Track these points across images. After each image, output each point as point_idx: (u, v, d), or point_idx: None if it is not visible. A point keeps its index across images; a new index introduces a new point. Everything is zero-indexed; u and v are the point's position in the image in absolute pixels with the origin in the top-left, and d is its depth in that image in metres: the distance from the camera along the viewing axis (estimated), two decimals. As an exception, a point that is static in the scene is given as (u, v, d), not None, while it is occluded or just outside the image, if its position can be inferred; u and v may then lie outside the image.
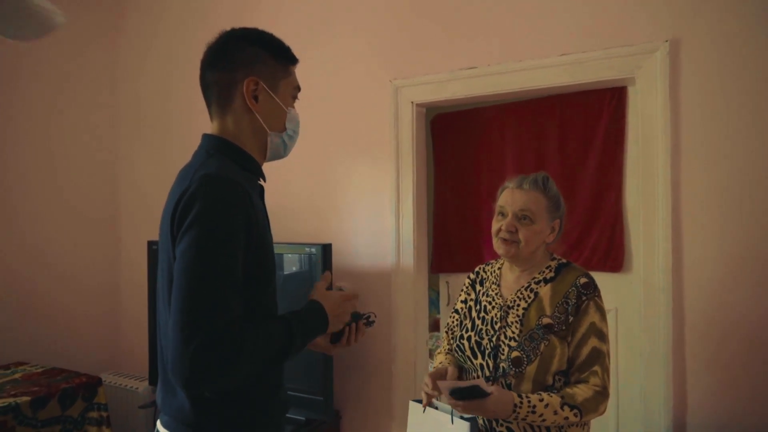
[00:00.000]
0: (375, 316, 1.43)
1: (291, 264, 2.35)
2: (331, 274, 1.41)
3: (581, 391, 1.37)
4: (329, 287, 1.32)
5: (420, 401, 1.52)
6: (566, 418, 1.34)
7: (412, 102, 2.37)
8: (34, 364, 2.66)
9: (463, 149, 2.52)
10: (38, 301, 2.81)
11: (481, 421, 1.45)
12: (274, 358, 1.07)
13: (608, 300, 2.13)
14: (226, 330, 0.97)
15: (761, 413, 1.78)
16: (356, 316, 1.38)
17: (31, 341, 2.77)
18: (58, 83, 2.91)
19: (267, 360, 1.05)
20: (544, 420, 1.33)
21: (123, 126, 3.20)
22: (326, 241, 2.38)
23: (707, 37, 1.86)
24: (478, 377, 1.47)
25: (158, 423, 1.15)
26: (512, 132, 2.36)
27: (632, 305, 2.06)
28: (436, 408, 1.49)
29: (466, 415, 1.41)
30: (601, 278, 2.14)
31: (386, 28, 2.42)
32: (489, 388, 1.31)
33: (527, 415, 1.32)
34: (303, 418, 2.30)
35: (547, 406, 1.33)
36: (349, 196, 2.50)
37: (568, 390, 1.38)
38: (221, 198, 1.01)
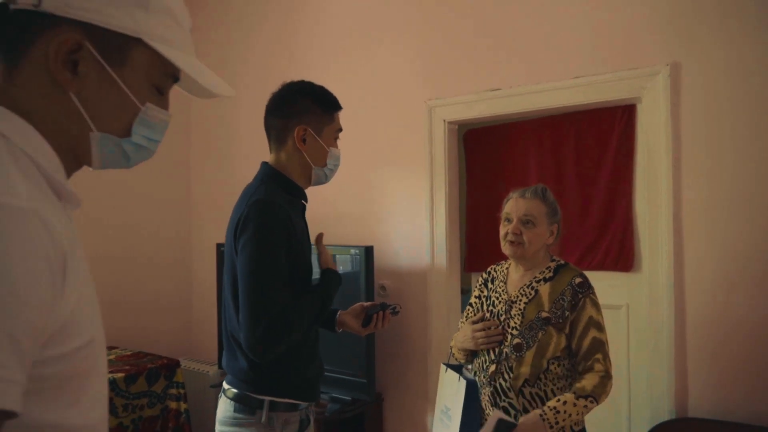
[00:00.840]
0: (400, 308, 1.76)
1: (338, 264, 2.70)
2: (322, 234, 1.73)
3: (588, 381, 1.62)
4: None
5: (447, 364, 1.84)
6: (585, 406, 1.59)
7: (444, 120, 2.67)
8: (123, 348, 3.13)
9: (492, 160, 2.79)
10: (126, 296, 3.29)
11: (486, 397, 1.73)
12: (313, 321, 1.49)
13: (620, 297, 2.37)
14: (280, 315, 1.36)
15: (756, 400, 1.98)
16: (383, 306, 1.72)
17: (120, 329, 3.24)
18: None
19: (308, 325, 1.45)
20: (570, 416, 1.57)
21: (194, 142, 3.65)
22: (369, 243, 2.71)
23: (704, 60, 2.07)
24: (488, 366, 1.75)
25: (224, 382, 1.53)
26: (534, 145, 2.61)
27: (641, 302, 2.28)
28: (453, 369, 1.80)
29: (469, 376, 1.71)
30: (613, 277, 2.39)
31: (422, 55, 2.73)
32: (510, 418, 1.57)
33: (557, 420, 1.55)
34: (349, 398, 2.64)
35: (565, 403, 1.58)
36: (389, 203, 2.83)
37: (577, 385, 1.62)
38: (266, 221, 1.39)
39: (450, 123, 2.68)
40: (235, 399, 1.47)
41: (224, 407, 1.51)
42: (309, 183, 1.59)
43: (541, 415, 1.56)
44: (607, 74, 2.25)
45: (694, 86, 2.09)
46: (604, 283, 2.38)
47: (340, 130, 1.61)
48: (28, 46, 0.66)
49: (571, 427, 1.64)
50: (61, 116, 0.68)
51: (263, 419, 1.43)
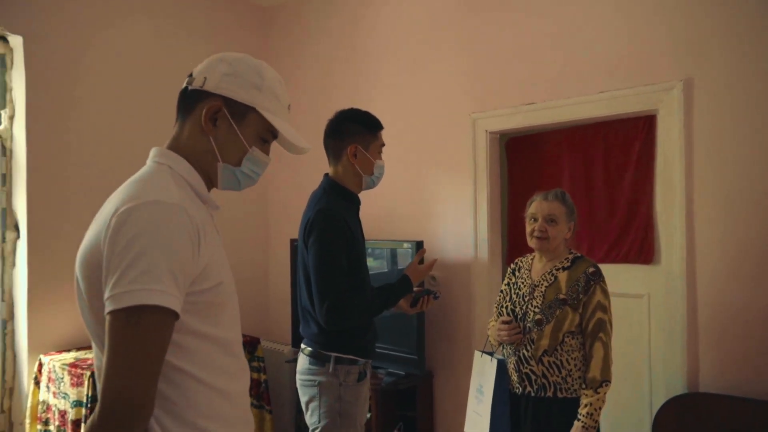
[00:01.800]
0: (440, 293, 2.16)
1: (392, 255, 3.11)
2: (425, 251, 2.25)
3: (595, 369, 1.95)
4: (421, 262, 2.13)
5: (481, 351, 2.20)
6: (604, 393, 1.93)
7: (486, 130, 3.03)
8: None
9: (530, 165, 3.13)
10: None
11: (512, 365, 2.10)
12: (375, 311, 1.93)
13: (641, 287, 2.67)
14: (339, 297, 1.82)
15: (759, 377, 2.23)
16: (427, 292, 2.13)
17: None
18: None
19: (371, 312, 1.91)
20: (600, 407, 1.92)
21: (270, 152, 4.16)
22: (419, 239, 3.11)
23: (715, 75, 2.33)
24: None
25: (302, 344, 1.98)
26: (567, 151, 2.93)
27: (659, 291, 2.57)
28: (487, 353, 2.17)
29: (496, 355, 2.08)
30: (635, 269, 2.69)
31: (466, 74, 3.10)
32: None
33: (594, 418, 1.90)
34: (403, 372, 3.05)
35: (591, 404, 1.92)
36: (437, 204, 3.22)
37: (588, 376, 1.95)
38: (327, 227, 1.85)
39: (491, 133, 3.03)
40: (310, 355, 1.93)
41: (302, 361, 1.97)
42: (360, 189, 2.04)
43: (583, 425, 1.91)
44: (628, 89, 2.54)
45: (707, 99, 2.35)
46: (628, 275, 2.71)
47: (383, 145, 2.07)
48: (194, 109, 1.13)
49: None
50: (203, 152, 1.14)
51: (330, 370, 1.88)
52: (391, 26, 3.46)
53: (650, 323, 2.63)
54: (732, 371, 2.30)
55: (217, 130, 1.13)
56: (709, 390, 2.34)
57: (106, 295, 0.92)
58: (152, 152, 1.14)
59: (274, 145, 1.25)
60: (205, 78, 1.12)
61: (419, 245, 2.97)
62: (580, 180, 2.86)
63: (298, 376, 1.98)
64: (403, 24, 3.40)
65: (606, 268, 2.66)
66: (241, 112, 1.14)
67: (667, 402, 2.37)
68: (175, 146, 1.14)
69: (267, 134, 1.18)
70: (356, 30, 3.64)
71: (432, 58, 3.25)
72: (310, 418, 1.94)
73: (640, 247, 2.65)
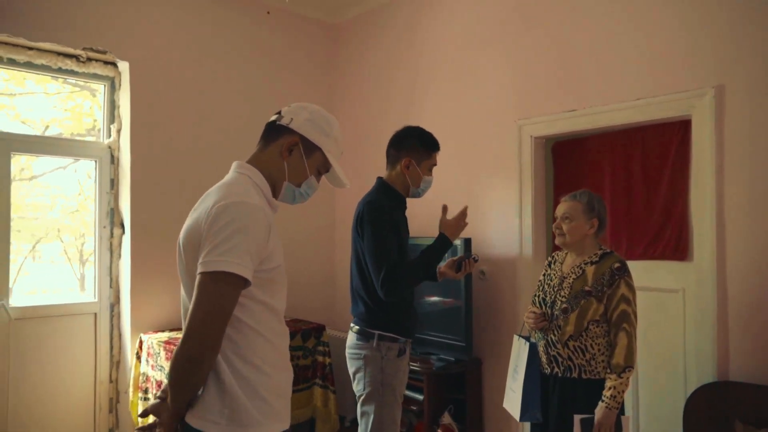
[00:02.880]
0: (477, 256, 2.44)
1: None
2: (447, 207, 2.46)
3: (619, 356, 2.13)
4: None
5: (518, 335, 2.45)
6: (627, 377, 2.13)
7: (531, 136, 3.26)
8: (285, 315, 4.09)
9: (574, 167, 3.32)
10: (288, 278, 4.25)
11: (541, 348, 2.34)
12: (423, 273, 2.23)
13: (677, 282, 2.84)
14: (392, 266, 2.13)
15: (786, 368, 2.35)
16: (468, 255, 2.41)
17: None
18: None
19: (420, 274, 2.21)
20: (623, 390, 2.12)
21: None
22: (467, 236, 3.38)
23: (746, 82, 2.47)
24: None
25: (351, 323, 2.32)
26: (607, 155, 3.11)
27: (691, 286, 2.71)
28: (523, 337, 2.42)
29: (532, 340, 2.33)
30: (671, 266, 2.84)
31: (513, 82, 3.34)
32: (587, 415, 2.14)
33: (617, 400, 2.09)
34: (452, 359, 3.33)
35: (614, 387, 2.11)
36: (485, 203, 3.47)
37: (612, 362, 2.14)
38: (376, 215, 2.17)
39: (536, 138, 3.26)
40: (357, 332, 2.28)
41: (350, 337, 2.32)
42: (408, 194, 2.36)
43: (606, 405, 2.12)
44: (662, 96, 2.70)
45: (737, 105, 2.49)
46: (664, 270, 2.88)
47: (435, 164, 2.38)
48: (278, 138, 1.54)
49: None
50: (276, 171, 1.54)
51: (374, 345, 2.21)
52: (442, 39, 3.75)
53: (685, 316, 2.78)
54: (760, 361, 2.42)
55: (291, 158, 1.54)
56: (738, 379, 2.48)
57: (200, 260, 1.31)
58: (235, 164, 1.54)
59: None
60: (291, 119, 1.53)
61: (467, 242, 3.24)
62: (620, 182, 3.04)
63: (347, 350, 2.32)
64: (453, 37, 3.68)
65: (643, 265, 2.86)
66: (311, 149, 1.55)
67: (698, 389, 2.52)
68: (255, 162, 1.54)
69: (323, 169, 1.60)
70: (411, 43, 3.96)
71: (480, 68, 3.52)
72: (357, 386, 2.28)
73: (676, 245, 2.80)
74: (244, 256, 1.30)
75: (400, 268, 2.14)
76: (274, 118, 1.56)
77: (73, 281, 3.65)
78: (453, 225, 2.32)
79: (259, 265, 1.36)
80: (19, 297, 3.41)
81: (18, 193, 3.41)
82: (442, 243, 2.29)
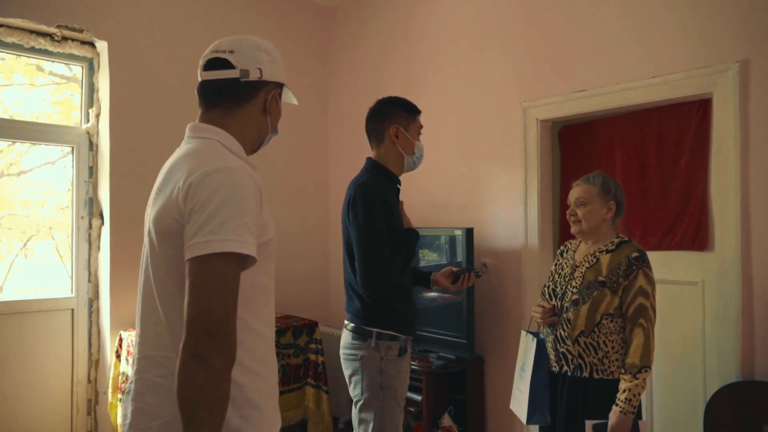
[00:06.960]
0: (482, 271, 2.22)
1: (444, 242, 3.20)
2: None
3: (635, 355, 1.93)
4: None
5: (526, 330, 2.25)
6: (643, 378, 1.93)
7: (536, 119, 3.05)
8: (276, 311, 3.88)
9: (583, 152, 3.12)
10: (279, 272, 4.05)
11: (550, 344, 2.13)
12: (404, 266, 2.02)
13: (695, 274, 2.63)
14: (382, 262, 1.91)
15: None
16: (469, 269, 2.20)
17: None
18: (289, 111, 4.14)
19: (401, 268, 1.99)
20: (639, 393, 1.91)
21: (330, 142, 4.35)
22: (470, 226, 3.17)
23: (772, 56, 2.26)
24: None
25: (345, 320, 2.10)
26: (619, 138, 2.91)
27: (712, 278, 2.51)
28: (531, 333, 2.22)
29: (540, 335, 2.12)
30: (690, 256, 2.64)
31: (517, 64, 3.13)
32: (600, 420, 1.94)
33: (632, 403, 1.89)
34: (453, 357, 3.13)
35: (629, 390, 1.91)
36: (488, 191, 3.27)
37: (627, 361, 1.94)
38: (368, 199, 1.96)
39: (542, 121, 3.05)
40: (353, 330, 2.05)
41: (345, 336, 2.09)
42: (402, 171, 2.15)
43: (621, 410, 1.91)
44: (681, 72, 2.50)
45: (763, 81, 2.29)
46: (682, 261, 2.67)
47: (422, 126, 2.18)
48: (255, 97, 1.32)
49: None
50: (259, 128, 1.35)
51: (372, 345, 1.99)
52: (442, 19, 3.54)
53: (704, 311, 2.58)
54: (790, 360, 2.23)
55: (273, 108, 1.36)
56: (765, 378, 2.28)
57: (187, 244, 1.08)
58: (191, 128, 1.31)
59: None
60: (260, 69, 1.30)
61: (469, 232, 3.04)
62: (633, 167, 2.84)
63: (341, 351, 2.11)
64: (454, 14, 3.47)
65: (660, 255, 2.65)
66: (280, 91, 1.40)
67: (720, 390, 2.32)
68: (224, 124, 1.29)
69: (280, 97, 1.42)
70: (410, 24, 3.75)
71: (482, 47, 3.30)
72: (353, 391, 2.06)
73: (695, 234, 2.60)
74: (241, 230, 1.08)
75: (389, 265, 1.95)
76: (234, 75, 1.29)
77: (66, 279, 3.43)
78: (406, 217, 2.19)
79: (257, 238, 1.15)
80: (10, 295, 3.27)
81: (7, 189, 3.25)
82: (412, 236, 2.12)
